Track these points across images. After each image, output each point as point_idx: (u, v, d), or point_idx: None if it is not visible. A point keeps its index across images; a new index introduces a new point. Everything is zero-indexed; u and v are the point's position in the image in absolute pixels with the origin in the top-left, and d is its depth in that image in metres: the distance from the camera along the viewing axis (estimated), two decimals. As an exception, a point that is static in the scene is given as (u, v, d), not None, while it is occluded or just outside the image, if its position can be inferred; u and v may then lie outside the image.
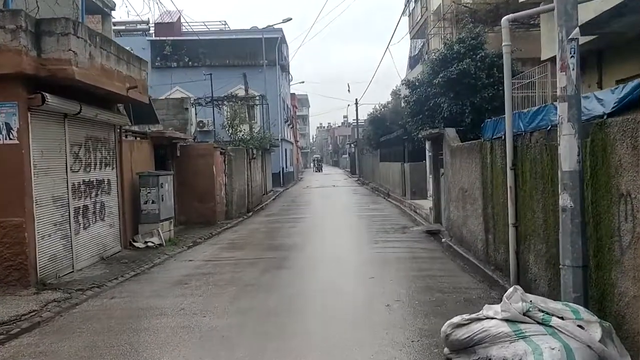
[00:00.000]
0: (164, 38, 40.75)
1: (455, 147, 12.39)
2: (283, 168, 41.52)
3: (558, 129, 5.61)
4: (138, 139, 15.42)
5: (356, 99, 49.89)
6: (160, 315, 6.89)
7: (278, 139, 39.90)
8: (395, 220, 17.48)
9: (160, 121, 25.12)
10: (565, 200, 5.40)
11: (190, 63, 40.78)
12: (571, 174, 5.38)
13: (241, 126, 23.79)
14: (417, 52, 33.36)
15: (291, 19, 38.72)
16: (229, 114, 23.98)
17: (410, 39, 35.34)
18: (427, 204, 19.93)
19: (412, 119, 17.29)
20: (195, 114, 37.86)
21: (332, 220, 17.94)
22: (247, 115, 37.33)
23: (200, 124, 35.36)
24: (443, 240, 12.91)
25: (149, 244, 13.57)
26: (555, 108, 6.71)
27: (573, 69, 5.50)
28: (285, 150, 44.18)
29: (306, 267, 10.03)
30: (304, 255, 11.29)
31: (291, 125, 50.97)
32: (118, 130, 13.14)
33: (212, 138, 26.85)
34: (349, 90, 41.71)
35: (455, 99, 15.89)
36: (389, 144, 29.70)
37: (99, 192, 11.93)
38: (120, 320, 6.69)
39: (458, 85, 15.89)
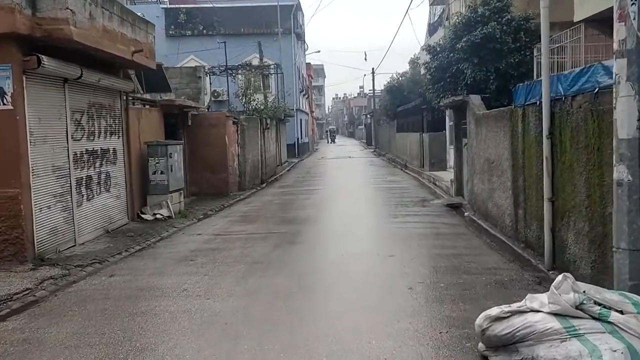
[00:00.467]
0: (178, 6, 39.84)
1: (480, 116, 11.56)
2: (298, 139, 40.79)
3: (614, 90, 4.81)
4: (147, 106, 14.80)
5: (373, 68, 48.69)
6: (160, 296, 6.33)
7: (293, 109, 39.09)
8: (415, 192, 16.76)
9: (173, 90, 24.52)
10: (621, 173, 4.64)
11: (204, 31, 39.82)
12: (629, 143, 4.62)
13: (255, 95, 23.02)
14: (436, 18, 32.03)
15: (306, -16, 37.33)
16: (243, 83, 23.18)
17: (430, 5, 33.99)
18: (447, 175, 19.15)
19: (433, 87, 16.39)
20: (210, 84, 37.19)
21: (347, 193, 17.28)
22: (261, 85, 36.63)
23: (215, 94, 34.61)
24: (466, 214, 12.20)
25: (158, 216, 13.05)
26: (604, 68, 5.90)
27: (634, 18, 4.67)
28: (301, 120, 43.37)
29: (320, 242, 9.41)
30: (318, 229, 10.67)
31: (306, 95, 49.99)
32: (124, 97, 12.48)
33: (227, 108, 26.13)
34: (365, 59, 40.62)
35: (479, 64, 14.95)
36: (407, 114, 28.77)
37: (103, 162, 11.36)
38: (117, 302, 6.15)
39: (482, 50, 14.93)
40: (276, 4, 38.17)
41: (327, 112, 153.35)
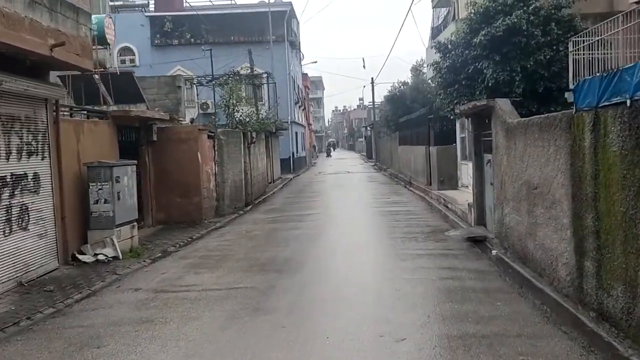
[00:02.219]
0: (164, 13, 37.35)
1: (514, 125, 8.77)
2: (293, 153, 38.06)
3: None
4: (93, 118, 12.03)
5: (372, 78, 46.08)
6: None
7: (287, 121, 36.42)
8: (424, 219, 13.93)
9: (150, 101, 21.81)
10: None
11: (192, 40, 37.29)
12: None
13: (239, 107, 20.30)
14: (440, 21, 29.42)
15: (300, -13, 34.83)
16: (227, 94, 20.49)
17: (433, 7, 31.41)
18: (459, 196, 16.34)
19: (444, 91, 13.66)
20: (197, 95, 34.56)
21: (343, 219, 14.46)
22: (254, 96, 33.93)
23: (204, 106, 31.99)
24: (494, 252, 9.39)
25: (100, 257, 10.25)
26: None
27: None
28: (296, 133, 40.67)
29: (296, 311, 6.46)
30: (298, 282, 7.69)
31: (303, 107, 47.34)
32: (53, 106, 9.72)
33: (215, 120, 23.20)
34: (364, 66, 37.63)
35: (501, 63, 12.26)
36: (410, 125, 26.03)
37: (16, 192, 8.58)
38: None
39: (505, 46, 12.24)
40: (268, 10, 35.69)
41: (327, 124, 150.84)
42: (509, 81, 12.23)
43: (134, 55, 37.34)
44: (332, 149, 78.18)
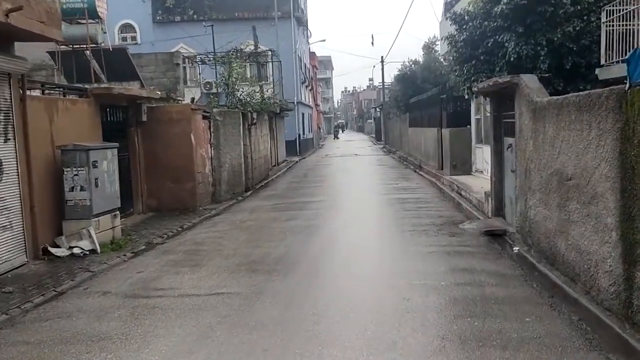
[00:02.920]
0: (165, -13, 35.93)
1: (543, 105, 7.55)
2: (299, 135, 36.84)
3: None
4: (70, 97, 10.93)
5: (382, 57, 44.52)
6: None
7: (293, 102, 35.14)
8: (435, 207, 12.77)
9: (147, 79, 20.76)
10: None
11: (195, 17, 35.90)
12: None
13: (240, 85, 19.11)
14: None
15: (307, -40, 33.25)
16: (226, 71, 19.32)
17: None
18: (473, 182, 15.15)
19: (460, 68, 12.39)
20: (200, 74, 33.34)
21: (346, 208, 13.34)
22: (258, 74, 32.68)
23: (207, 86, 30.77)
24: (515, 249, 8.26)
25: (76, 250, 9.25)
26: None
27: None
28: (303, 114, 39.40)
29: (284, 326, 5.30)
30: (290, 288, 6.47)
31: (310, 87, 45.95)
32: (19, 82, 8.62)
33: (220, 101, 21.84)
34: (372, 43, 36.08)
35: (525, 35, 10.98)
36: (421, 106, 24.72)
37: (-29, 180, 7.54)
38: None
39: (530, 16, 10.96)
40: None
41: (336, 105, 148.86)
42: (533, 56, 10.97)
43: (135, 32, 36.10)
44: (340, 130, 76.70)
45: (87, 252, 9.26)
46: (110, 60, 17.45)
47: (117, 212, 10.40)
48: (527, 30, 10.99)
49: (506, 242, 8.95)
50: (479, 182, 15.04)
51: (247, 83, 20.71)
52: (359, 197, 15.14)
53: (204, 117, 14.69)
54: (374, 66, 39.83)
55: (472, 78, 11.81)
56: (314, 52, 55.65)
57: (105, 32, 18.20)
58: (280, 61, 32.35)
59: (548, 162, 7.33)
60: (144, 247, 9.89)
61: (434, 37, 34.34)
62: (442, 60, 32.48)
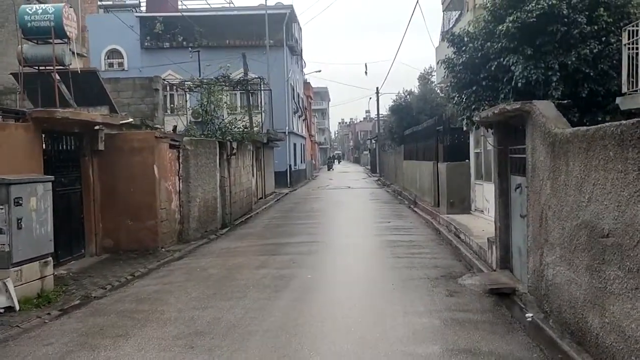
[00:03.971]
0: (155, 14, 34.90)
1: (565, 137, 5.97)
2: (290, 166, 35.29)
3: None
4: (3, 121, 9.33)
5: (377, 88, 43.41)
6: None
7: (284, 132, 33.73)
8: (430, 254, 11.08)
9: (122, 105, 19.30)
10: None
11: (184, 43, 34.78)
12: None
13: (218, 112, 17.62)
14: (451, 24, 26.73)
15: (300, -13, 32.26)
16: (204, 97, 17.87)
17: (443, 11, 28.75)
18: (473, 223, 13.53)
19: (459, 95, 10.89)
20: (187, 101, 31.96)
21: (328, 252, 11.64)
22: (247, 103, 31.31)
23: (196, 114, 29.36)
24: (528, 316, 6.57)
25: (-12, 307, 7.49)
26: None
27: None
28: (294, 145, 37.96)
29: None
30: None
31: (303, 117, 44.66)
32: None
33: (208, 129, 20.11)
34: (366, 73, 34.76)
35: (533, 58, 9.54)
36: (416, 138, 23.25)
37: None
38: None
39: (539, 36, 9.53)
40: (265, 12, 33.11)
41: (333, 137, 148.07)
42: (544, 82, 9.47)
43: (123, 58, 34.92)
44: (335, 161, 75.33)
45: (2, 310, 7.53)
46: (80, 84, 16.03)
47: (49, 259, 8.67)
48: (537, 52, 9.54)
49: (516, 305, 7.25)
50: (480, 224, 13.41)
51: (229, 110, 19.21)
52: (345, 238, 13.44)
53: (172, 147, 13.11)
54: (370, 98, 39.14)
55: (473, 106, 10.31)
56: (309, 82, 54.66)
57: (74, 53, 16.73)
58: (270, 90, 31.03)
59: (573, 211, 5.70)
60: (78, 301, 8.18)
61: (430, 67, 33.24)
62: (438, 91, 31.30)
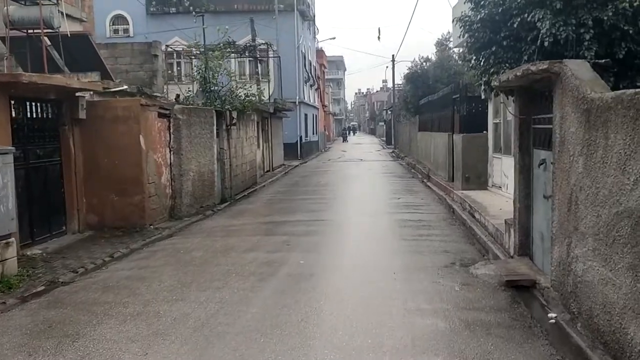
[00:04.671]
0: (161, -23, 33.48)
1: (604, 103, 4.80)
2: (301, 137, 34.14)
3: None
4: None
5: (392, 56, 41.69)
6: None
7: (294, 101, 32.51)
8: (441, 236, 10.01)
9: (120, 72, 18.33)
10: None
11: (191, 8, 33.36)
12: None
13: (218, 79, 16.49)
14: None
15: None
16: (202, 63, 16.74)
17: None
18: (490, 200, 12.41)
19: (476, 56, 9.61)
20: (192, 67, 30.82)
21: (328, 233, 10.63)
22: (255, 71, 30.12)
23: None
24: (552, 317, 5.51)
25: None
26: None
27: None
28: (305, 115, 36.71)
29: None
30: None
31: (316, 87, 43.25)
32: None
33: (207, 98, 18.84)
34: (379, 38, 32.79)
35: (563, 13, 8.23)
36: (432, 108, 21.92)
37: None
38: None
39: (571, -13, 8.19)
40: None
41: (349, 107, 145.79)
42: (575, 41, 8.17)
43: (128, 24, 33.74)
44: (350, 132, 73.86)
45: (-50, 299, 6.68)
46: (72, 49, 15.04)
47: (11, 240, 7.77)
48: (567, 6, 8.21)
49: (537, 301, 6.19)
50: (497, 201, 12.26)
51: (232, 78, 18.07)
52: (348, 216, 12.40)
53: (162, 115, 12.08)
54: (387, 67, 37.58)
55: (492, 69, 9.05)
56: (323, 50, 52.96)
57: (63, 15, 15.64)
58: (279, 56, 29.74)
59: (613, 195, 4.57)
60: (41, 287, 7.31)
61: (448, 33, 31.57)
62: (456, 58, 29.69)
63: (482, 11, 9.22)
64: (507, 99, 9.50)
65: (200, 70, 16.79)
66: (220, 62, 17.07)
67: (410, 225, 11.09)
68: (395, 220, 11.61)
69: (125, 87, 14.02)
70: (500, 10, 8.91)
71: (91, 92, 11.68)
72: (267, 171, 24.30)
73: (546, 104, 6.94)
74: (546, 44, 8.13)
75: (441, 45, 30.60)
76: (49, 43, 14.87)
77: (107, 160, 11.19)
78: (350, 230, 10.76)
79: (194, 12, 28.22)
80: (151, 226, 11.43)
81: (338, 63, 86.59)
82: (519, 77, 6.79)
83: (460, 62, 28.77)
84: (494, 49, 9.05)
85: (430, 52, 31.27)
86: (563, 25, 8.13)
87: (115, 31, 33.64)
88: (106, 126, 11.16)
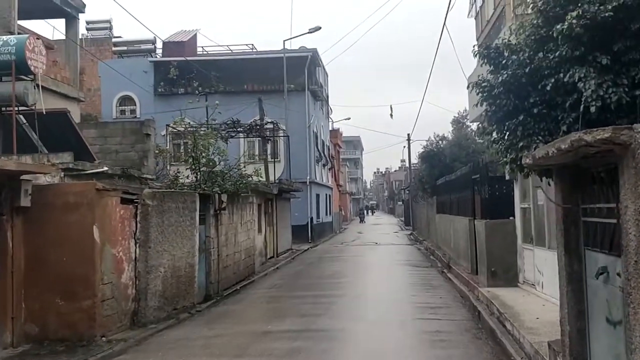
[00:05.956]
0: (169, 58, 33.19)
1: None
2: (312, 218, 32.16)
3: None
4: None
5: (408, 134, 40.41)
6: None
7: (305, 181, 30.87)
8: (465, 357, 7.63)
9: (109, 153, 16.86)
10: None
11: (200, 89, 32.77)
12: None
13: (204, 157, 14.82)
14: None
15: (320, 27, 30.13)
16: (191, 142, 15.19)
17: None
18: (523, 303, 10.10)
19: (498, 128, 7.70)
20: (180, 148, 29.51)
21: (324, 346, 8.34)
22: (264, 150, 28.75)
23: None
24: None
25: None
26: None
27: None
28: (317, 195, 34.95)
29: None
30: None
31: (329, 166, 41.82)
32: None
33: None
34: (391, 115, 31.54)
35: (611, 70, 6.34)
36: (450, 188, 19.92)
37: None
38: None
39: (618, 39, 6.38)
40: (283, 55, 30.87)
41: (368, 187, 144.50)
42: (629, 104, 6.24)
43: (135, 105, 33.15)
44: (367, 212, 71.69)
45: None
46: (49, 127, 13.63)
47: None
48: (616, 62, 6.36)
49: None
50: (532, 305, 9.94)
51: (224, 157, 16.46)
52: (346, 325, 10.01)
53: (126, 201, 10.24)
54: (404, 147, 36.26)
55: (520, 143, 7.07)
56: (338, 129, 52.13)
57: (37, 89, 14.32)
58: (287, 136, 28.42)
59: None
60: None
61: (465, 111, 30.13)
62: (474, 136, 28.00)
63: (505, 72, 7.40)
64: (541, 180, 7.45)
65: (189, 149, 15.20)
66: (212, 140, 15.49)
67: (425, 340, 8.72)
68: (406, 334, 9.22)
69: (104, 168, 12.39)
70: (527, 71, 7.08)
71: (50, 175, 10.03)
72: (271, 257, 22.15)
73: (603, 188, 4.89)
74: (592, 109, 6.19)
75: (458, 123, 29.10)
76: (24, 121, 13.55)
77: (55, 256, 9.26)
78: (345, 348, 8.42)
79: (197, 92, 27.41)
80: (103, 338, 9.28)
81: (355, 143, 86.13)
82: (563, 153, 4.77)
83: (478, 139, 27.10)
84: (521, 118, 7.14)
85: (447, 131, 29.71)
86: (612, 86, 6.22)
87: (122, 112, 33.05)
88: (55, 215, 9.33)
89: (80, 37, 39.10)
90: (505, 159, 7.41)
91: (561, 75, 6.69)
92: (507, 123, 7.31)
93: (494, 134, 7.69)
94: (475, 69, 15.96)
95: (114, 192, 9.89)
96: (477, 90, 7.96)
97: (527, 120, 7.11)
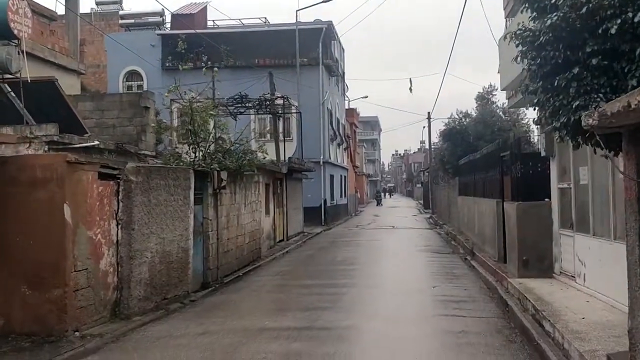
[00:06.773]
0: (178, 31, 31.75)
1: None
2: (325, 200, 30.81)
3: None
4: None
5: (428, 113, 38.60)
6: None
7: (318, 161, 29.48)
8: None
9: (107, 127, 15.69)
10: None
11: (209, 63, 31.33)
12: None
13: (204, 133, 13.48)
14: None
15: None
16: (187, 116, 13.88)
17: (505, 17, 23.97)
18: (562, 298, 8.64)
19: (544, 85, 6.19)
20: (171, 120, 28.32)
21: (328, 349, 7.04)
22: (276, 128, 27.38)
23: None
24: None
25: None
26: None
27: None
28: (332, 176, 33.52)
29: None
30: None
31: (345, 146, 40.29)
32: None
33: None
34: (410, 90, 29.51)
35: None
36: (474, 168, 18.36)
37: None
38: None
39: None
40: (295, 27, 29.29)
41: (386, 169, 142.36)
42: None
43: (142, 80, 31.92)
44: (385, 195, 70.08)
45: None
46: (37, 97, 12.45)
47: None
48: None
49: None
50: (573, 300, 8.50)
51: (223, 132, 15.13)
52: (356, 321, 8.69)
53: (106, 176, 8.96)
54: (424, 127, 34.61)
55: (575, 103, 5.58)
56: (355, 109, 50.44)
57: (22, 55, 13.04)
58: (300, 112, 26.97)
59: None
60: None
61: (490, 86, 28.36)
62: (501, 114, 26.29)
63: (553, 17, 5.87)
64: (595, 152, 5.96)
65: (185, 123, 13.89)
66: (211, 113, 14.16)
67: (449, 343, 7.34)
68: (427, 335, 7.86)
69: (95, 142, 11.15)
70: (582, 12, 5.55)
71: (32, 149, 8.84)
72: (280, 241, 20.90)
73: None
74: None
75: (482, 99, 27.34)
76: (9, 89, 12.38)
77: (20, 239, 8.07)
78: (352, 354, 7.06)
79: (204, 67, 26.07)
80: (76, 332, 8.08)
81: (373, 124, 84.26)
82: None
83: (506, 118, 25.35)
84: (576, 71, 5.63)
85: (470, 107, 27.95)
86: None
87: (129, 87, 31.85)
88: (21, 192, 8.11)
89: (89, 11, 38.03)
90: (555, 124, 5.91)
91: (629, 15, 5.19)
92: (556, 78, 5.81)
93: (539, 93, 6.18)
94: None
95: (89, 165, 8.61)
96: (517, 41, 6.45)
97: (583, 75, 5.61)
